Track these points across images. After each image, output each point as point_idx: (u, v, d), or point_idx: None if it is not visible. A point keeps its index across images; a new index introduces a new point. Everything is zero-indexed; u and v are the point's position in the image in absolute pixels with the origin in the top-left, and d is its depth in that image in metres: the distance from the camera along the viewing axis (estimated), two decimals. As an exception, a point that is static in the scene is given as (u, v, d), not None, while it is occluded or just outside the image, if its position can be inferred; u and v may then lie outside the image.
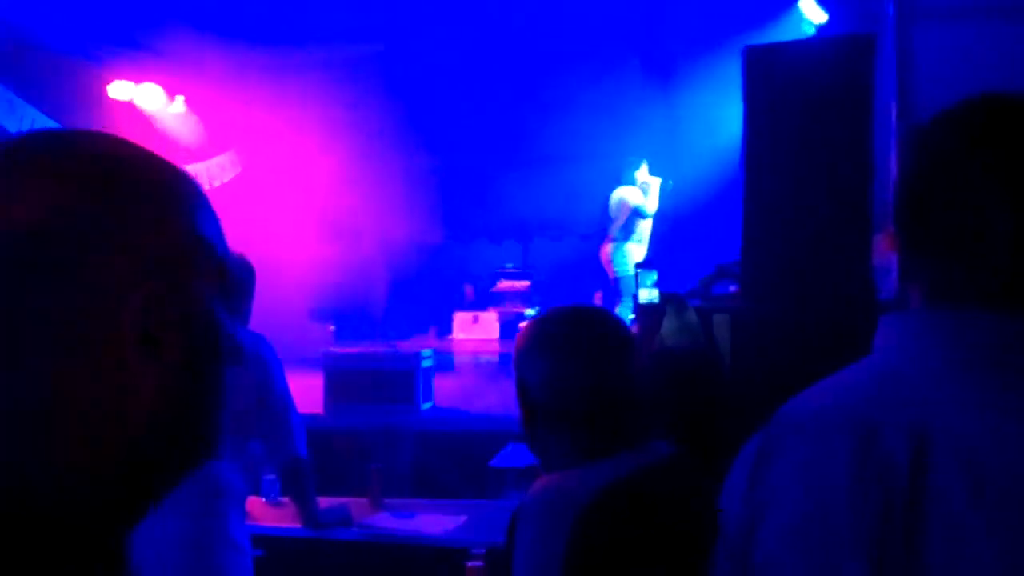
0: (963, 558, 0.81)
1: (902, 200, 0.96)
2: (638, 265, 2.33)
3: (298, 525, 3.05)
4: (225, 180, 8.76)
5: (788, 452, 0.93)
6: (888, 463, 0.85)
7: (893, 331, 0.95)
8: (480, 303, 9.49)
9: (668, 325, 2.44)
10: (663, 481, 1.26)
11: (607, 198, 7.51)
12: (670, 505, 1.24)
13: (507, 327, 8.83)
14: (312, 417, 4.69)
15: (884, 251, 2.80)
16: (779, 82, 2.73)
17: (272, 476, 3.34)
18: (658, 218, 7.52)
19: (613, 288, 7.31)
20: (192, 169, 8.24)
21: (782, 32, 6.63)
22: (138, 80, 7.92)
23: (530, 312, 8.70)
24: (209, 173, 8.57)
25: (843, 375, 0.96)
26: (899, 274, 0.98)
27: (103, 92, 7.67)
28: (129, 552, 0.64)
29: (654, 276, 2.42)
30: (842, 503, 0.86)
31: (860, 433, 0.87)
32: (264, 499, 3.39)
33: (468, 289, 9.76)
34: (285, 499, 3.20)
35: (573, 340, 1.33)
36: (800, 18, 6.56)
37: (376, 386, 5.05)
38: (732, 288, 3.09)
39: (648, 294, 2.42)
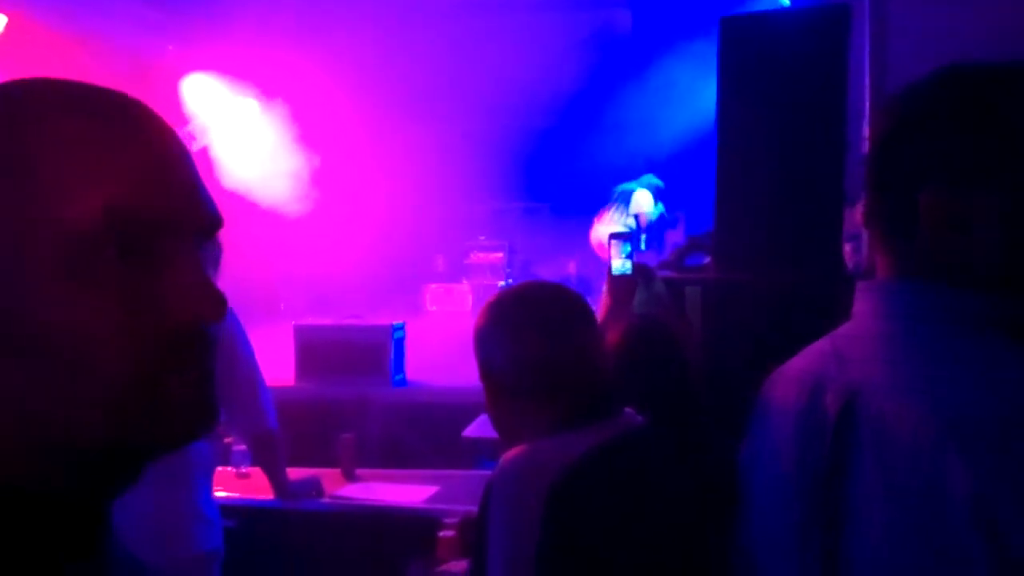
0: (863, 515, 0.83)
1: (867, 172, 0.96)
2: (612, 236, 2.31)
3: (269, 496, 3.04)
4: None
5: (765, 412, 0.99)
6: (823, 419, 0.89)
7: (860, 298, 0.98)
8: (453, 275, 9.47)
9: (639, 296, 2.45)
10: (634, 450, 1.27)
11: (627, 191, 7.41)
12: (642, 474, 1.24)
13: (480, 299, 8.81)
14: (284, 390, 4.67)
15: (856, 223, 2.82)
16: (754, 53, 2.72)
17: (242, 447, 3.33)
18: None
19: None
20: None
21: (759, 3, 6.61)
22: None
23: (503, 284, 8.69)
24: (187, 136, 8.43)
25: (825, 338, 1.00)
26: (868, 243, 1.00)
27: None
28: (110, 523, 0.62)
29: (628, 247, 2.40)
30: (791, 455, 0.91)
31: (810, 391, 0.92)
32: (234, 470, 3.37)
33: (440, 261, 9.72)
34: (255, 470, 3.18)
35: (530, 316, 1.34)
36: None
37: (348, 358, 5.03)
38: (705, 260, 3.09)
39: (621, 264, 2.40)
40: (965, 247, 0.87)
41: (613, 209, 7.32)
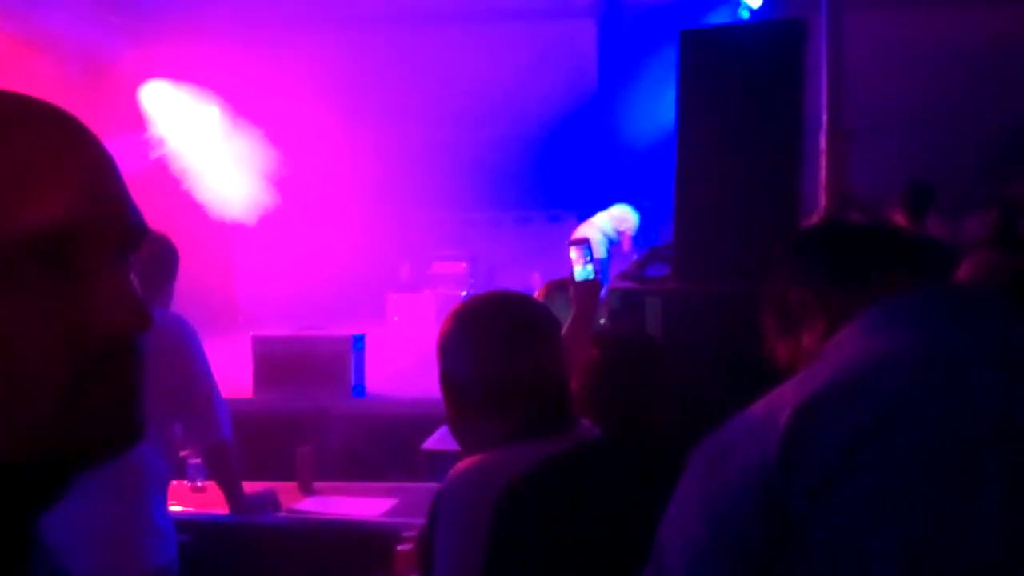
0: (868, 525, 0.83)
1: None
2: (571, 242, 2.28)
3: (224, 511, 2.98)
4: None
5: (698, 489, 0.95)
6: (762, 461, 0.86)
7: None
8: (416, 285, 9.43)
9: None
10: (587, 463, 1.26)
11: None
12: (594, 487, 1.23)
13: (443, 309, 8.77)
14: (242, 401, 4.60)
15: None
16: (713, 65, 2.74)
17: (197, 460, 3.26)
18: (594, 203, 7.53)
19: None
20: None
21: (721, 16, 6.70)
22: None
23: (466, 295, 8.67)
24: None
25: (758, 403, 0.98)
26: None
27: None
28: (39, 538, 0.60)
29: (589, 252, 2.38)
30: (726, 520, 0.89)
31: (760, 435, 0.89)
32: (189, 483, 3.31)
33: (404, 270, 9.67)
34: (210, 484, 3.12)
35: (494, 325, 1.34)
36: (738, 2, 6.65)
37: (307, 369, 4.97)
38: (665, 271, 3.10)
39: (582, 270, 2.37)
40: None
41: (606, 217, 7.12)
